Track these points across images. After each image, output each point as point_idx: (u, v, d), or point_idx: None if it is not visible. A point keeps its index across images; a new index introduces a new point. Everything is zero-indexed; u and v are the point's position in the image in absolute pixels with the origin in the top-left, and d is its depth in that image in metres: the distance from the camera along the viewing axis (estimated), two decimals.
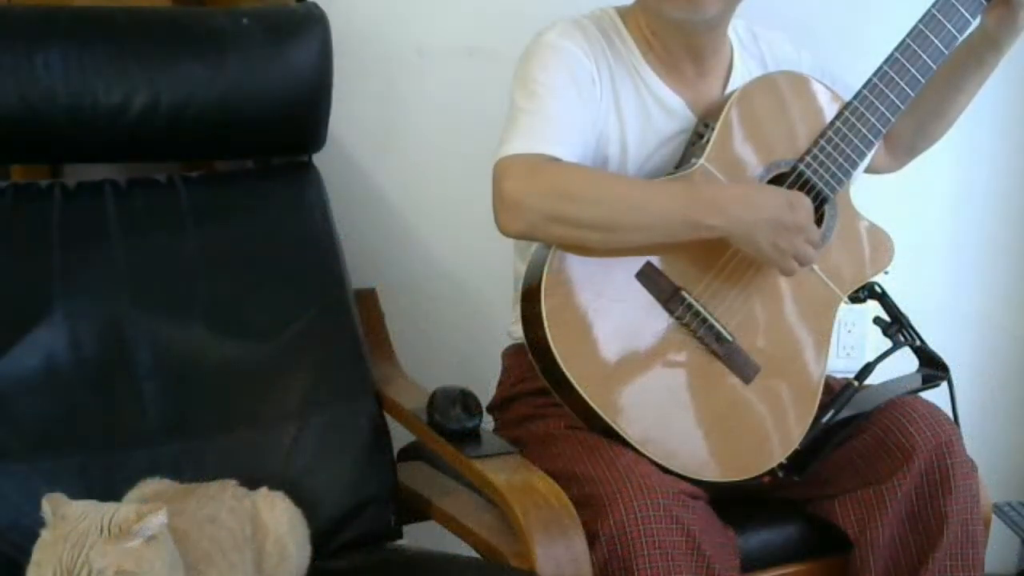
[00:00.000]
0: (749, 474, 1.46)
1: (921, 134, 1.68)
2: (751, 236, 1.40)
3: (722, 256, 1.47)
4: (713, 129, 1.50)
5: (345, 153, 1.86)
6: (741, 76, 1.59)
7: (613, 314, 1.43)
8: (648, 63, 1.54)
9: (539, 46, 1.50)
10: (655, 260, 1.45)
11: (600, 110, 1.50)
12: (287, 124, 1.63)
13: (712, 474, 1.43)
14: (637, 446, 1.40)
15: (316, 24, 1.62)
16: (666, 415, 1.44)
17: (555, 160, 1.41)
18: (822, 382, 1.52)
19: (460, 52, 1.87)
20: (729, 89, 1.57)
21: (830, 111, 1.55)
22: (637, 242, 1.42)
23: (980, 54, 1.58)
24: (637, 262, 1.44)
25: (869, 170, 1.68)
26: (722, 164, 1.49)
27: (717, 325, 1.46)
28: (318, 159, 1.69)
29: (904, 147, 1.70)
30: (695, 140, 1.53)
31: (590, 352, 1.41)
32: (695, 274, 1.46)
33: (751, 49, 1.63)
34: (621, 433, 1.40)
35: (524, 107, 1.46)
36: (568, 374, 1.39)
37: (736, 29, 1.62)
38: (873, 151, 1.57)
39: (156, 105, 1.53)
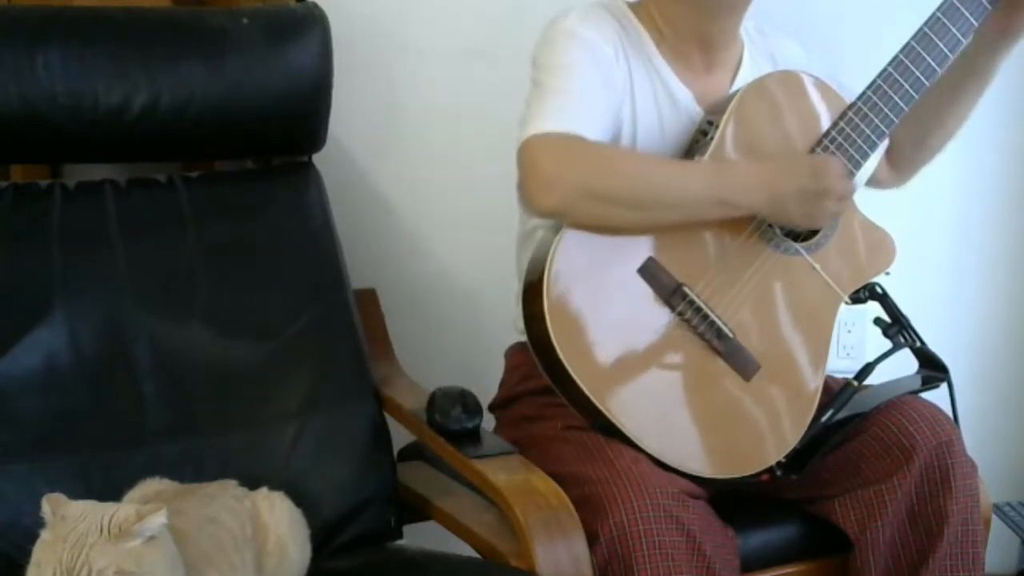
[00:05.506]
0: (746, 471, 1.46)
1: (923, 146, 1.66)
2: (781, 212, 1.45)
3: (725, 253, 1.47)
4: (717, 127, 1.50)
5: (345, 153, 1.86)
6: (751, 73, 1.58)
7: (615, 309, 1.43)
8: (660, 53, 1.54)
9: (557, 32, 1.50)
10: (658, 255, 1.45)
11: (618, 95, 1.50)
12: (287, 124, 1.63)
13: (709, 470, 1.43)
14: (634, 440, 1.40)
15: (316, 24, 1.62)
16: (665, 410, 1.43)
17: (585, 139, 1.41)
18: (822, 381, 1.51)
19: (460, 53, 1.87)
20: (736, 85, 1.57)
21: (834, 111, 1.55)
22: (669, 221, 1.43)
23: (976, 62, 1.57)
24: (639, 257, 1.44)
25: (873, 184, 1.68)
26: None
27: (718, 322, 1.46)
28: (318, 159, 1.69)
29: (907, 159, 1.68)
30: (699, 137, 1.53)
31: (591, 347, 1.41)
32: (697, 270, 1.46)
33: (761, 47, 1.64)
34: (619, 427, 1.40)
35: (551, 86, 1.45)
36: (569, 368, 1.39)
37: (747, 28, 1.62)
38: (876, 155, 1.57)
39: (156, 105, 1.53)
